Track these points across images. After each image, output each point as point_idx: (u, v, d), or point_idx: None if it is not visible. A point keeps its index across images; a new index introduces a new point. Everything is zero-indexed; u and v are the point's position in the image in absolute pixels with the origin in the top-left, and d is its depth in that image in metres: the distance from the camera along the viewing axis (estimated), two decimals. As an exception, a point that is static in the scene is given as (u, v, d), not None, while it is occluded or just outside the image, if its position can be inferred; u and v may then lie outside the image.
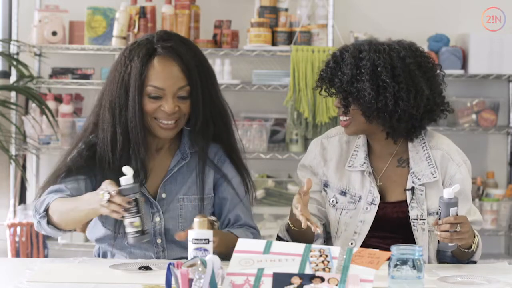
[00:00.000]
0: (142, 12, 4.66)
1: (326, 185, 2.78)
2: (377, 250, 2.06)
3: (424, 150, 2.74)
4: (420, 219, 2.68)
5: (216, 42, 4.71)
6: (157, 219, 2.65)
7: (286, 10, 4.74)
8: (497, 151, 5.01)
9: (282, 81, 4.69)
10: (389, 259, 2.05)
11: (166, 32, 2.68)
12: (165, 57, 2.59)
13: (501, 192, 4.80)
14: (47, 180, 2.65)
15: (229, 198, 2.71)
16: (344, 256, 2.01)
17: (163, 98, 2.58)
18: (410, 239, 2.68)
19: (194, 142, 2.68)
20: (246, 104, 4.95)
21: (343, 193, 2.74)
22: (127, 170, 2.32)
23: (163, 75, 2.58)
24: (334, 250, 2.03)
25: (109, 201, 2.33)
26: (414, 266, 2.02)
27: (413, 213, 2.69)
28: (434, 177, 2.70)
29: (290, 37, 4.68)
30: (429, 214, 2.69)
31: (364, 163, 2.74)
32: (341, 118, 2.72)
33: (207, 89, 2.63)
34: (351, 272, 1.97)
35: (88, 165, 2.63)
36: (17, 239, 4.63)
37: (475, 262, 2.67)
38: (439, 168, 2.71)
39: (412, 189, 2.70)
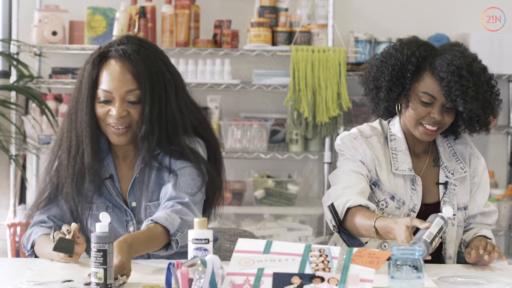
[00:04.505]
0: (142, 12, 4.67)
1: (375, 184, 2.75)
2: (377, 250, 2.06)
3: (449, 147, 2.82)
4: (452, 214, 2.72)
5: (216, 42, 4.71)
6: (131, 228, 2.65)
7: (286, 10, 4.74)
8: (497, 151, 5.02)
9: (282, 81, 4.69)
10: (389, 259, 2.04)
11: (128, 36, 2.66)
12: (116, 60, 2.57)
13: (501, 192, 4.80)
14: (33, 203, 2.68)
15: (165, 181, 2.63)
16: (344, 256, 2.00)
17: (112, 102, 2.57)
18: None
19: (138, 146, 2.61)
20: (246, 104, 4.95)
21: (392, 198, 2.72)
22: (104, 217, 2.19)
23: (111, 78, 2.56)
24: (334, 250, 2.03)
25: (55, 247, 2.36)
26: (414, 266, 2.01)
27: None
28: (464, 172, 2.78)
29: (290, 37, 4.68)
30: (458, 209, 2.75)
31: (412, 169, 2.74)
32: (432, 128, 2.70)
33: (158, 95, 2.57)
34: (351, 272, 1.97)
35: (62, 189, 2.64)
36: (17, 239, 4.63)
37: None
38: (466, 162, 2.80)
39: (446, 183, 2.73)
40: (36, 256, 2.60)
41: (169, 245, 2.50)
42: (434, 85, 2.67)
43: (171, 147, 2.62)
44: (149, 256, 2.63)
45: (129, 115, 2.57)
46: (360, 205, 2.58)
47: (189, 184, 2.59)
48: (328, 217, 2.64)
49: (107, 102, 2.57)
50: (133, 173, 2.66)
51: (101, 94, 2.57)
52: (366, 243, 2.68)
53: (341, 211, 2.59)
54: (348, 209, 2.58)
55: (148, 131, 2.58)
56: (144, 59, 2.57)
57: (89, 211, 2.64)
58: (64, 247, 2.36)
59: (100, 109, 2.58)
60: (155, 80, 2.57)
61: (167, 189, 2.59)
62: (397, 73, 2.71)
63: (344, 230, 2.62)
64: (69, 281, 2.22)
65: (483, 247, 2.57)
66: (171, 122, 2.62)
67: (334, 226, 2.62)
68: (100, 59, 2.59)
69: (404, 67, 2.70)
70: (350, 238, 2.63)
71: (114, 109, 2.55)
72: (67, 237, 2.37)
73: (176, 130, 2.63)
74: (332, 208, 2.61)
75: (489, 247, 2.58)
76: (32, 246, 2.59)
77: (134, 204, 2.65)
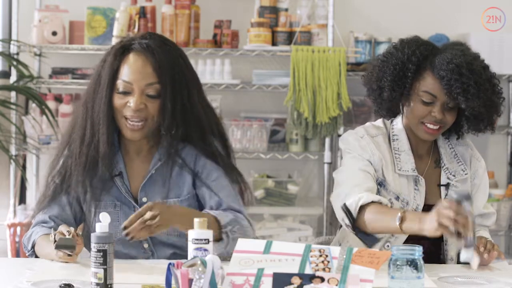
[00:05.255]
0: (142, 12, 4.67)
1: (381, 184, 2.73)
2: (377, 250, 2.06)
3: (450, 148, 2.81)
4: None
5: (216, 42, 4.71)
6: None
7: (286, 10, 4.74)
8: (497, 151, 5.02)
9: (282, 81, 4.69)
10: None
11: (151, 32, 2.68)
12: (138, 53, 2.58)
13: (501, 192, 4.80)
14: (37, 203, 2.68)
15: (208, 189, 2.66)
16: (344, 256, 2.00)
17: (131, 94, 2.57)
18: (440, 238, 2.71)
19: (163, 142, 2.63)
20: (246, 104, 4.95)
21: (397, 198, 2.71)
22: (104, 217, 2.19)
23: (132, 70, 2.57)
24: (334, 250, 2.03)
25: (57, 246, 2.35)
26: (414, 266, 2.01)
27: None
28: (465, 174, 2.78)
29: (290, 37, 4.68)
30: None
31: (415, 169, 2.73)
32: (434, 127, 2.70)
33: (179, 91, 2.58)
34: (351, 272, 1.97)
35: (69, 181, 2.63)
36: (17, 239, 4.63)
37: None
38: (467, 164, 2.79)
39: (447, 185, 2.73)
40: (36, 256, 2.60)
41: (220, 239, 2.51)
42: (435, 84, 2.67)
43: (203, 145, 2.65)
44: (152, 254, 2.65)
45: (146, 109, 2.57)
46: (372, 202, 2.58)
47: (238, 201, 2.67)
48: (340, 216, 2.63)
49: (126, 93, 2.57)
50: (146, 168, 2.66)
51: (120, 85, 2.57)
52: (382, 238, 2.67)
53: (354, 209, 2.58)
54: (361, 207, 2.58)
55: (171, 125, 2.59)
56: (167, 54, 2.59)
57: (97, 209, 2.63)
58: (65, 245, 2.37)
59: (118, 100, 2.58)
60: (176, 76, 2.58)
61: (218, 198, 2.64)
62: (399, 73, 2.71)
63: (358, 227, 2.61)
64: (68, 285, 2.21)
65: (483, 244, 2.57)
66: (196, 119, 2.63)
67: (347, 225, 2.62)
68: (122, 51, 2.59)
69: (405, 66, 2.70)
70: (365, 235, 2.61)
71: (132, 100, 2.56)
72: (66, 236, 2.38)
73: (203, 128, 2.65)
74: (345, 208, 2.60)
75: (488, 245, 2.58)
76: (33, 246, 2.59)
77: (144, 199, 2.65)
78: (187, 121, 2.61)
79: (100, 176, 2.61)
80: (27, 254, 2.63)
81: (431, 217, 2.34)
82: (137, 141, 2.64)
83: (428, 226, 2.34)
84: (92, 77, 2.65)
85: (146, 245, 2.64)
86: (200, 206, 2.70)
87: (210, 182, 2.66)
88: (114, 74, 2.57)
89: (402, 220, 2.45)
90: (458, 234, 2.32)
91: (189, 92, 2.61)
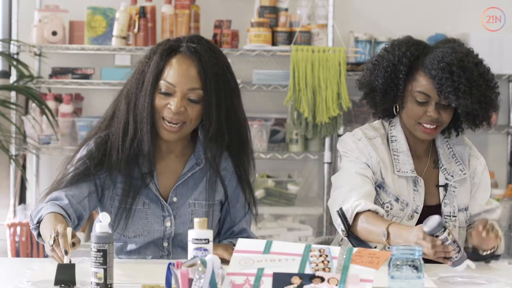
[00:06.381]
0: (142, 12, 4.67)
1: (380, 186, 2.73)
2: (377, 250, 2.06)
3: (448, 148, 2.81)
4: (452, 216, 2.72)
5: (216, 42, 4.71)
6: (168, 223, 2.64)
7: (286, 10, 4.74)
8: (497, 151, 5.02)
9: (282, 81, 4.69)
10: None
11: (199, 36, 2.67)
12: (185, 56, 2.58)
13: (501, 192, 4.80)
14: (54, 181, 2.63)
15: (234, 213, 2.73)
16: (344, 256, 2.00)
17: (173, 96, 2.57)
18: None
19: (207, 149, 2.65)
20: (246, 104, 4.85)
21: (397, 200, 2.71)
22: (104, 217, 2.18)
23: (177, 72, 2.56)
24: (334, 250, 2.03)
25: (54, 243, 2.26)
26: (414, 266, 2.01)
27: (446, 210, 2.73)
28: (464, 174, 2.78)
29: (290, 37, 4.68)
30: (459, 210, 2.74)
31: (413, 170, 2.73)
32: (431, 126, 2.70)
33: (223, 98, 2.59)
34: (351, 272, 1.97)
35: (95, 167, 2.61)
36: (17, 239, 4.63)
37: (498, 256, 2.66)
38: (465, 164, 2.79)
39: (446, 185, 2.73)
40: (39, 234, 2.50)
41: None
42: (427, 83, 2.66)
43: (240, 158, 2.70)
44: (168, 255, 2.66)
45: (185, 112, 2.57)
46: (369, 210, 2.57)
47: (249, 219, 2.77)
48: (337, 221, 2.62)
49: (168, 94, 2.57)
50: (178, 168, 2.67)
51: (163, 86, 2.57)
52: (375, 247, 2.67)
53: (350, 215, 2.57)
54: (357, 213, 2.58)
55: (216, 132, 2.61)
56: (213, 60, 2.58)
57: (132, 206, 2.62)
58: (65, 279, 2.21)
59: (159, 101, 2.58)
60: (220, 83, 2.58)
61: (242, 226, 2.73)
62: (390, 75, 2.71)
63: (353, 234, 2.61)
64: (68, 285, 2.20)
65: (483, 224, 2.56)
66: (238, 129, 2.67)
67: (343, 230, 2.61)
68: (169, 52, 2.59)
69: (396, 68, 2.70)
70: (359, 242, 2.61)
71: (173, 103, 2.55)
72: (65, 260, 2.23)
73: (242, 139, 2.68)
74: (341, 212, 2.59)
75: (488, 226, 2.56)
76: (39, 222, 2.51)
77: (175, 199, 2.66)
78: (231, 129, 2.64)
79: (135, 173, 2.62)
80: (30, 228, 2.54)
81: (411, 240, 2.38)
82: (170, 141, 2.65)
83: (412, 244, 2.37)
84: (135, 71, 2.64)
85: (166, 244, 2.66)
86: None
87: (238, 207, 2.73)
88: (159, 74, 2.57)
89: (387, 236, 2.47)
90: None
91: (232, 102, 2.63)
